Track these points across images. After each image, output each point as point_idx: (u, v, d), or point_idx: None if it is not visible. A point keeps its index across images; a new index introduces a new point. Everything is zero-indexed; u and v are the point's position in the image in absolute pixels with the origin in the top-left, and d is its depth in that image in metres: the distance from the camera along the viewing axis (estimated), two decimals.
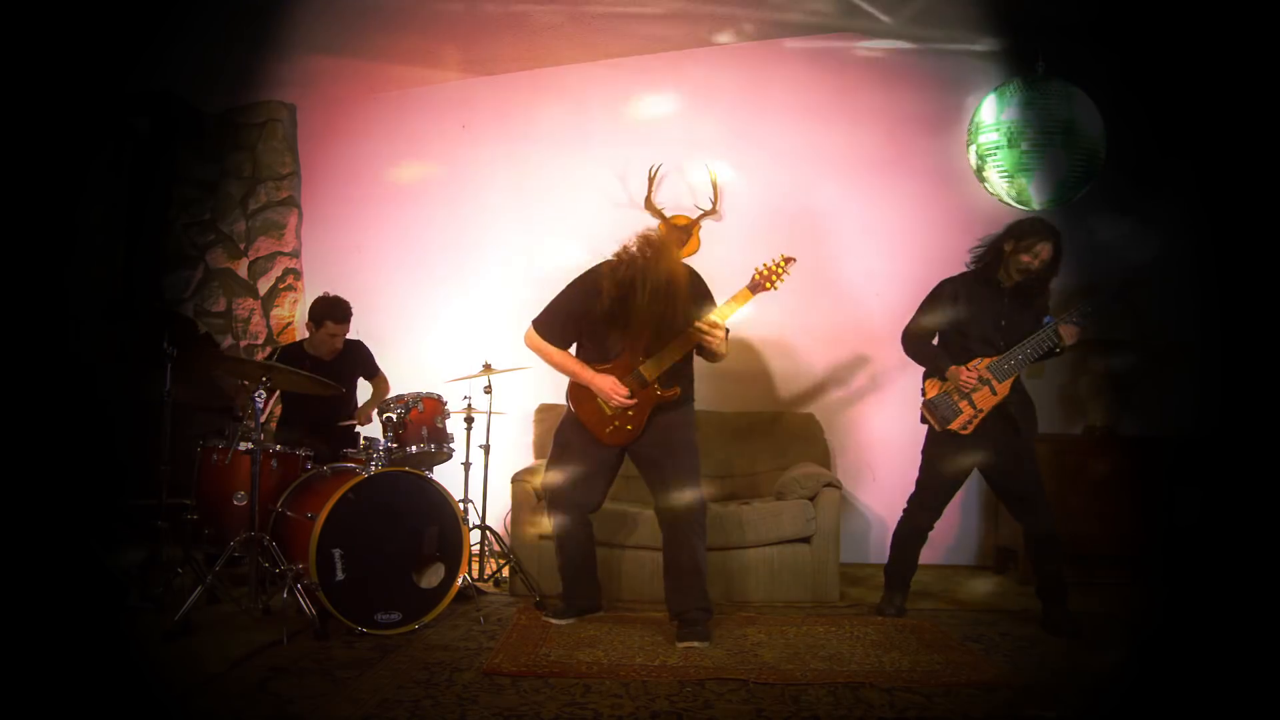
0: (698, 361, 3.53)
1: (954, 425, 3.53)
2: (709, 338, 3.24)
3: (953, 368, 3.51)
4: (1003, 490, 3.68)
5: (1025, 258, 3.43)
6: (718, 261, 4.12)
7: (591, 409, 3.38)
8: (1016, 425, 3.50)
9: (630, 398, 3.29)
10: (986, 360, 3.48)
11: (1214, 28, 3.96)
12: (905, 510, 3.70)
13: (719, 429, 4.62)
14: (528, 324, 3.43)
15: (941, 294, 3.61)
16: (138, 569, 3.53)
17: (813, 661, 3.02)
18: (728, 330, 3.33)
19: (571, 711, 2.50)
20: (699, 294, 3.33)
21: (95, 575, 3.49)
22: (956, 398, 3.52)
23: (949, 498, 3.66)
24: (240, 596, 3.39)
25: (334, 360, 4.33)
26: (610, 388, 3.29)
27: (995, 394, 3.46)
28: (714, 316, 3.26)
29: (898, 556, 3.72)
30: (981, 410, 3.49)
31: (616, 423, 3.35)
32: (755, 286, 3.34)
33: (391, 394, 4.22)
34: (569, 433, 3.48)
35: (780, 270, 3.33)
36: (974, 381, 3.46)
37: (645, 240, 3.24)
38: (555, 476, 3.49)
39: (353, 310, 4.36)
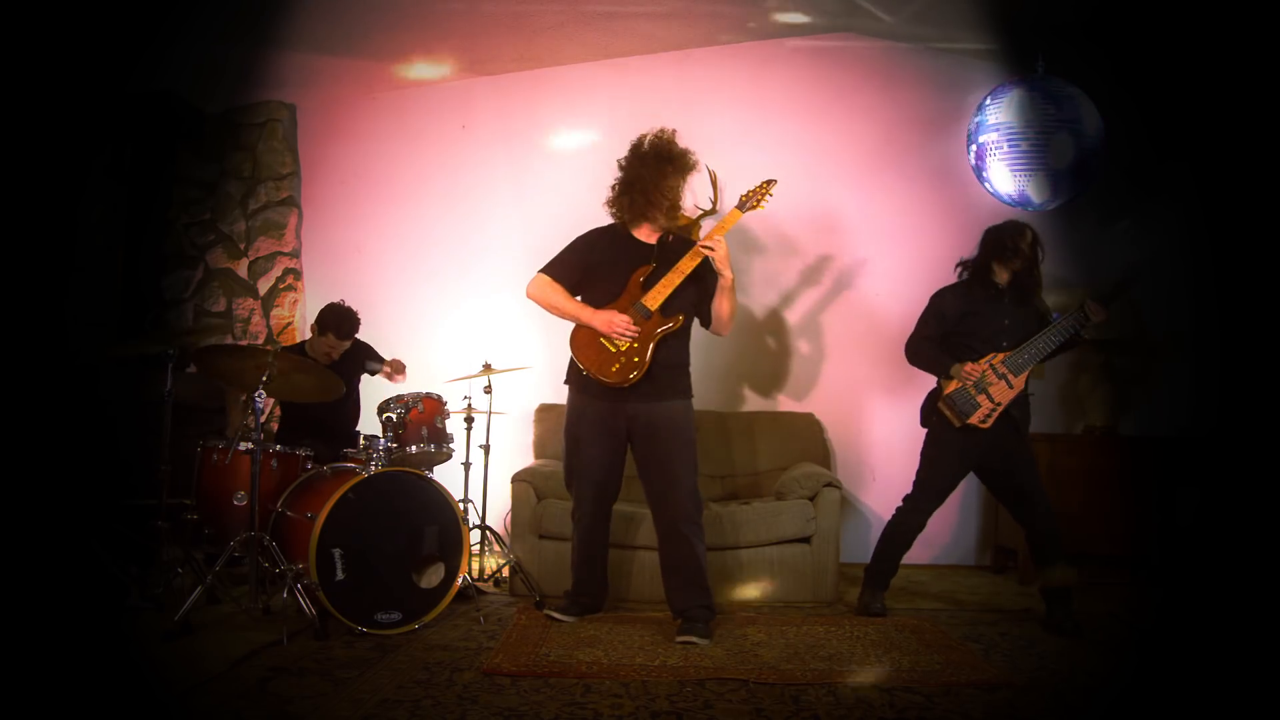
0: (698, 362, 3.53)
1: (973, 419, 3.53)
2: (711, 250, 3.32)
3: (958, 365, 3.57)
4: (1002, 490, 3.70)
5: (1016, 256, 3.55)
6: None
7: (594, 351, 3.37)
8: (1018, 426, 3.52)
9: (632, 328, 3.32)
10: (1001, 355, 3.51)
11: (1212, 28, 3.96)
12: (899, 509, 3.71)
13: (719, 429, 4.62)
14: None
15: (940, 304, 3.69)
16: (138, 569, 3.53)
17: (813, 661, 3.02)
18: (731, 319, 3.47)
19: (571, 711, 2.50)
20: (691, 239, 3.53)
21: (95, 575, 3.49)
22: (974, 392, 3.54)
23: (943, 499, 3.68)
24: (240, 596, 3.39)
25: (333, 364, 4.32)
26: (611, 320, 3.32)
27: (1012, 387, 3.49)
28: (709, 237, 3.36)
29: (884, 555, 3.73)
30: (1000, 404, 3.51)
31: (622, 359, 3.34)
32: (743, 205, 3.55)
33: (391, 394, 4.22)
34: (575, 429, 3.48)
35: (764, 191, 3.56)
36: (980, 372, 3.52)
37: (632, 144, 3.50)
38: (573, 478, 3.50)
39: (360, 326, 4.33)
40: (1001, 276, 3.58)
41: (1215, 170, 4.48)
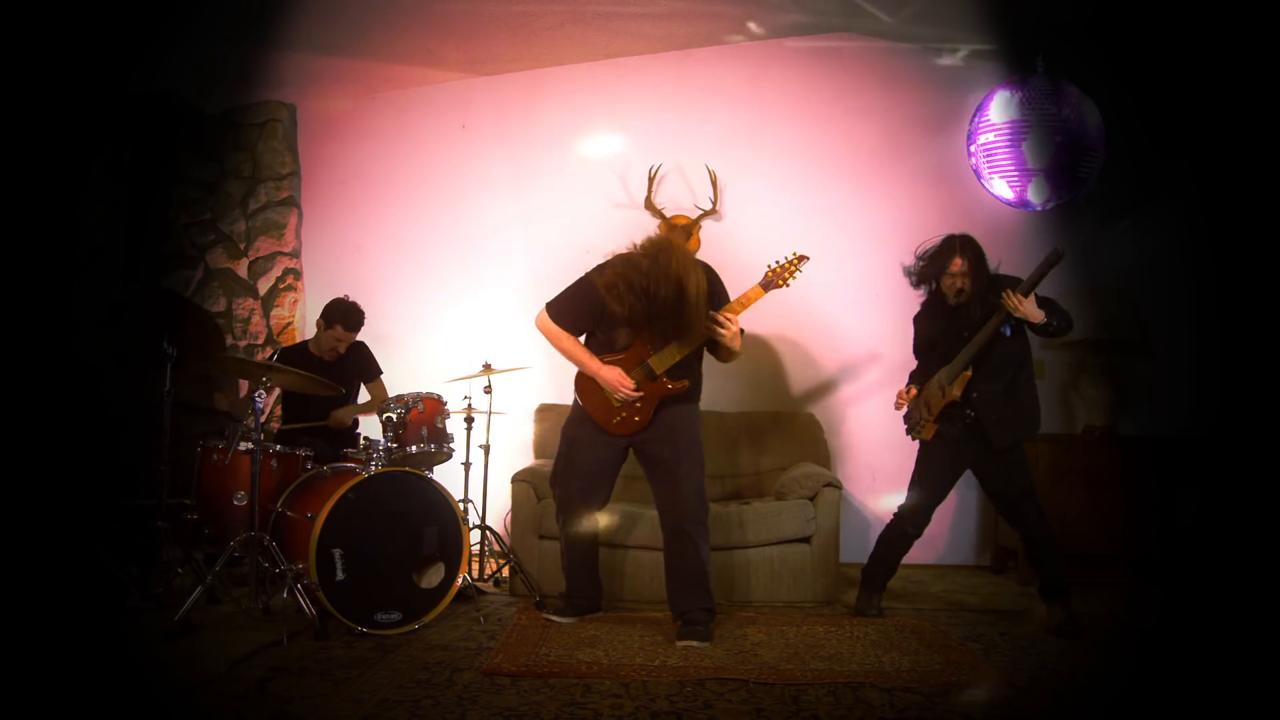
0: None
1: (924, 435, 3.58)
2: (721, 332, 3.26)
3: (909, 385, 3.66)
4: (990, 494, 3.71)
5: (949, 280, 3.50)
6: (718, 261, 4.10)
7: (598, 400, 3.38)
8: (987, 438, 3.48)
9: (637, 390, 3.30)
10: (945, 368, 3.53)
11: (1211, 28, 3.96)
12: (896, 515, 3.72)
13: (720, 429, 4.61)
14: (537, 312, 3.44)
15: (918, 327, 3.73)
16: (138, 569, 3.53)
17: (813, 661, 3.02)
18: (742, 330, 3.36)
19: (571, 711, 2.50)
20: (714, 292, 3.35)
21: (95, 575, 3.49)
22: (923, 409, 3.59)
23: (936, 505, 3.67)
24: (240, 596, 3.39)
25: (336, 362, 4.33)
26: (616, 379, 3.30)
27: (945, 396, 3.49)
28: (726, 313, 3.29)
29: (880, 558, 3.74)
30: (932, 413, 3.53)
31: (624, 414, 3.35)
32: (767, 284, 3.38)
33: (391, 394, 4.22)
34: (574, 431, 3.48)
35: (793, 268, 3.39)
36: (926, 392, 3.56)
37: (657, 249, 3.19)
38: (563, 477, 3.50)
39: (365, 320, 4.34)
40: (951, 297, 3.53)
41: (1215, 170, 4.48)
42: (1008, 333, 3.45)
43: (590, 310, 3.37)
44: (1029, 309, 3.33)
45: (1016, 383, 3.51)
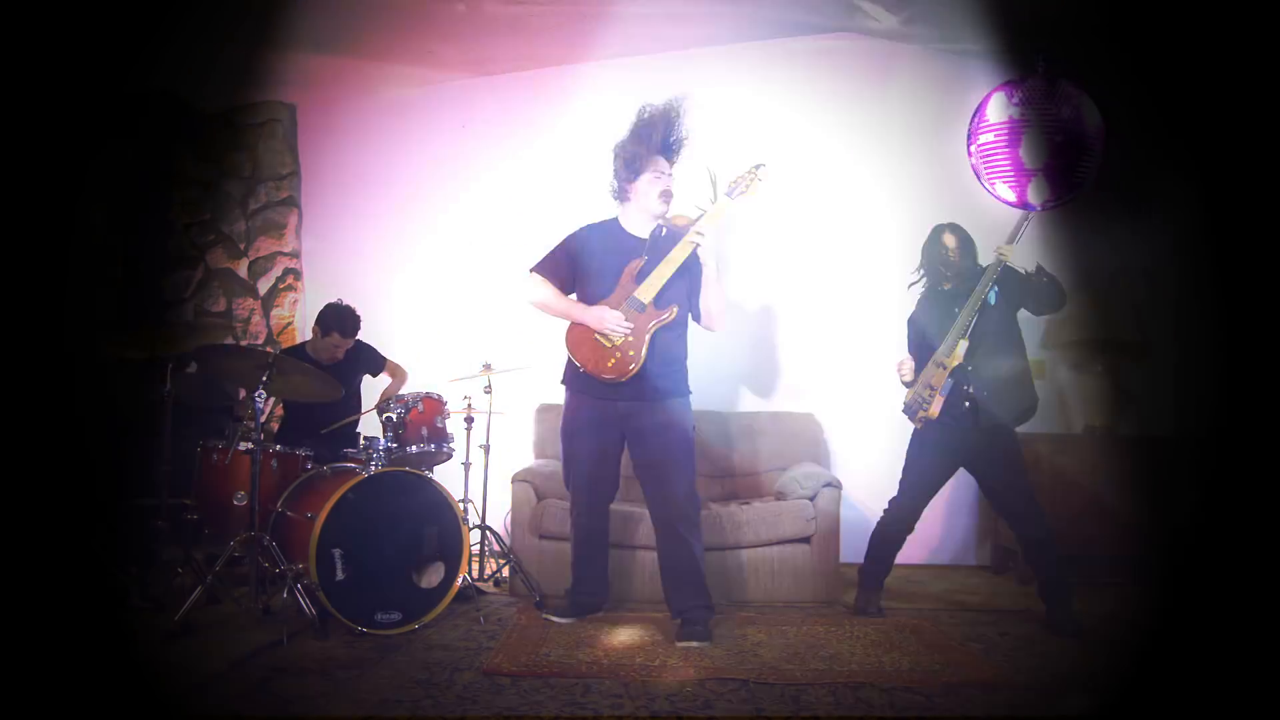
0: (698, 362, 3.53)
1: (930, 412, 3.56)
2: (702, 236, 3.34)
3: (908, 367, 3.70)
4: (989, 494, 3.71)
5: (942, 252, 3.69)
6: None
7: (591, 348, 3.38)
8: (977, 412, 3.51)
9: (625, 323, 3.32)
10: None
11: (1213, 28, 3.96)
12: (885, 511, 3.73)
13: (719, 429, 4.62)
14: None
15: (913, 325, 3.80)
16: (138, 569, 3.53)
17: (813, 661, 3.02)
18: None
19: (571, 711, 2.50)
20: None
21: (95, 575, 3.49)
22: (924, 390, 3.59)
23: (927, 499, 3.68)
24: (240, 596, 3.39)
25: (334, 365, 4.32)
26: (601, 314, 3.33)
27: (945, 368, 3.52)
28: (699, 227, 3.38)
29: (875, 557, 3.75)
30: (936, 387, 3.53)
31: (618, 354, 3.35)
32: (731, 193, 3.49)
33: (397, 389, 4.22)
34: (570, 430, 3.49)
35: (751, 178, 3.51)
36: (923, 372, 3.59)
37: None
38: (569, 476, 3.51)
39: (361, 322, 4.34)
40: (945, 278, 3.68)
41: (1216, 170, 4.48)
42: (993, 299, 3.52)
43: (571, 259, 3.46)
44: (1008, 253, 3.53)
45: (1009, 362, 3.55)
